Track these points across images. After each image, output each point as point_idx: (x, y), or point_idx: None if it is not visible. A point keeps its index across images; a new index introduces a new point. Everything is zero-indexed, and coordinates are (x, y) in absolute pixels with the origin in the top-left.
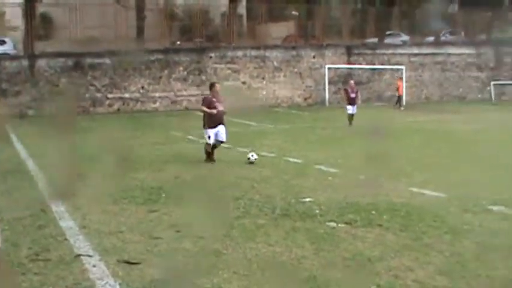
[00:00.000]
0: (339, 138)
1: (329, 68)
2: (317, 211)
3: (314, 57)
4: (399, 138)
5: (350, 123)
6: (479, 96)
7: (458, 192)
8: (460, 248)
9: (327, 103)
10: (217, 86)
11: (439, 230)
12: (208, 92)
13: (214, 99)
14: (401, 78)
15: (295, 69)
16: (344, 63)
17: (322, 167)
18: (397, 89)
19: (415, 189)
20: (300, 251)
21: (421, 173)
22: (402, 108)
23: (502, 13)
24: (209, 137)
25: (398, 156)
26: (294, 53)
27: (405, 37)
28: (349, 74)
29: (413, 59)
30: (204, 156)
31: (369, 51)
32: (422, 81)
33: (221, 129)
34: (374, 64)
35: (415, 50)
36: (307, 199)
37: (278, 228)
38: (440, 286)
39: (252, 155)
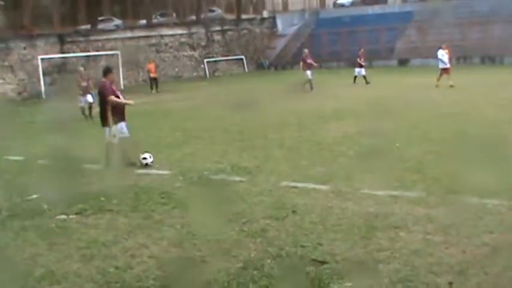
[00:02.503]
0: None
1: (42, 59)
2: (45, 206)
3: (25, 48)
4: None
5: (89, 114)
6: (194, 74)
7: (181, 168)
8: (189, 220)
9: (43, 95)
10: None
11: (167, 206)
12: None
13: (114, 87)
14: (152, 61)
15: (6, 63)
16: (57, 53)
17: (45, 162)
18: (148, 71)
19: (138, 171)
20: (33, 249)
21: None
22: (157, 91)
23: None
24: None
25: None
26: (2, 45)
27: (118, 21)
28: (64, 64)
29: (127, 42)
30: None
31: (82, 39)
32: (138, 63)
33: (124, 125)
34: (88, 51)
35: (129, 34)
36: (34, 196)
37: (6, 230)
38: (175, 257)
39: (148, 155)
